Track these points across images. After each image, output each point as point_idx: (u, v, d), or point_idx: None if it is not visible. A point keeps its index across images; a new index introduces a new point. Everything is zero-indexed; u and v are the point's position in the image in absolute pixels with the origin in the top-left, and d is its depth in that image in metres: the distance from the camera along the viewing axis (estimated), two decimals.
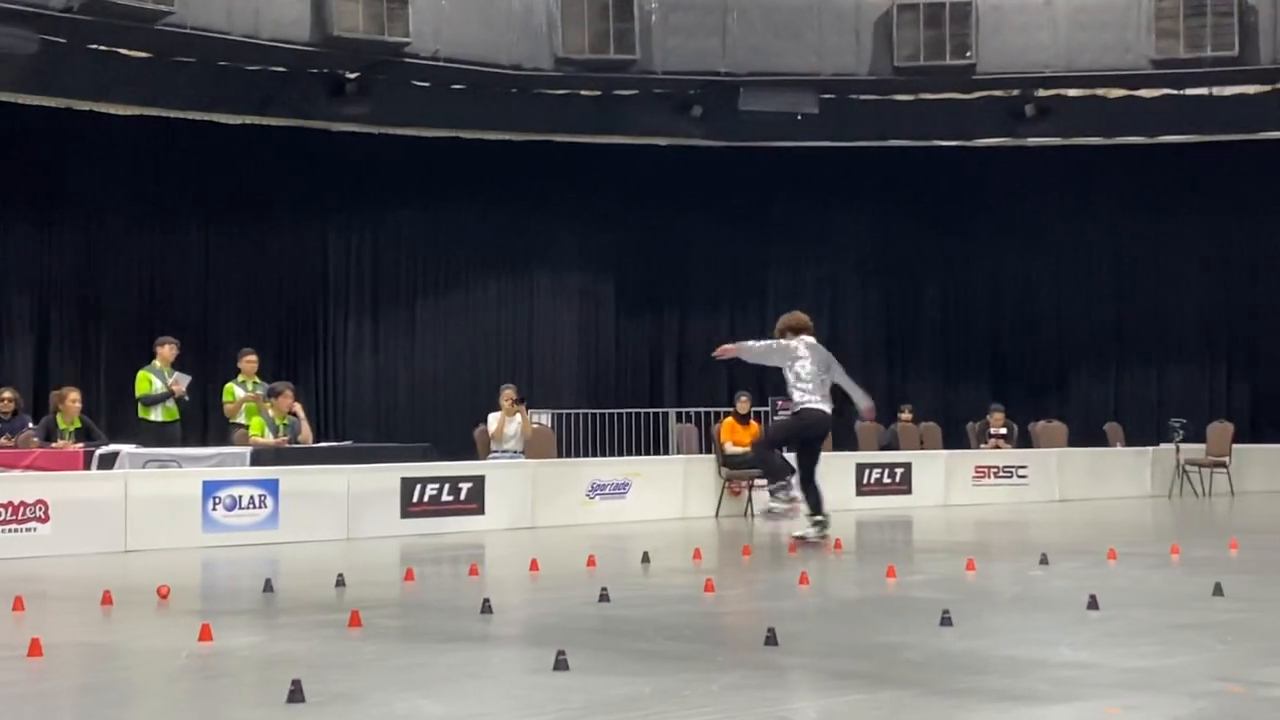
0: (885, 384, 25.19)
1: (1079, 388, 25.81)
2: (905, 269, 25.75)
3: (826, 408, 12.90)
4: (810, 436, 13.02)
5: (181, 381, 15.89)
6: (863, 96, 21.99)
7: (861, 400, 13.43)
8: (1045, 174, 24.79)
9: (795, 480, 12.92)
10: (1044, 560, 11.36)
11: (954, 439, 21.55)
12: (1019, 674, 6.62)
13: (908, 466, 19.38)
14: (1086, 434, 22.83)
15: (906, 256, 25.64)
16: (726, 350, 13.46)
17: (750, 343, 13.64)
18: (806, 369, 12.81)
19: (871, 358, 25.54)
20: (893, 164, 24.45)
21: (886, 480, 19.04)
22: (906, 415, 21.46)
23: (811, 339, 13.14)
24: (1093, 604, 8.60)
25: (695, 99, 21.59)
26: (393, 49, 18.84)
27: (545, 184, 23.83)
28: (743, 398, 18.21)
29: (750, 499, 17.53)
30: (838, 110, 21.79)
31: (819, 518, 12.83)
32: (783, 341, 13.09)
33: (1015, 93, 21.84)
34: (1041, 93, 21.86)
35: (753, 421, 18.16)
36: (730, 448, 17.59)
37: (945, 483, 19.51)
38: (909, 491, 19.12)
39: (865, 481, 18.87)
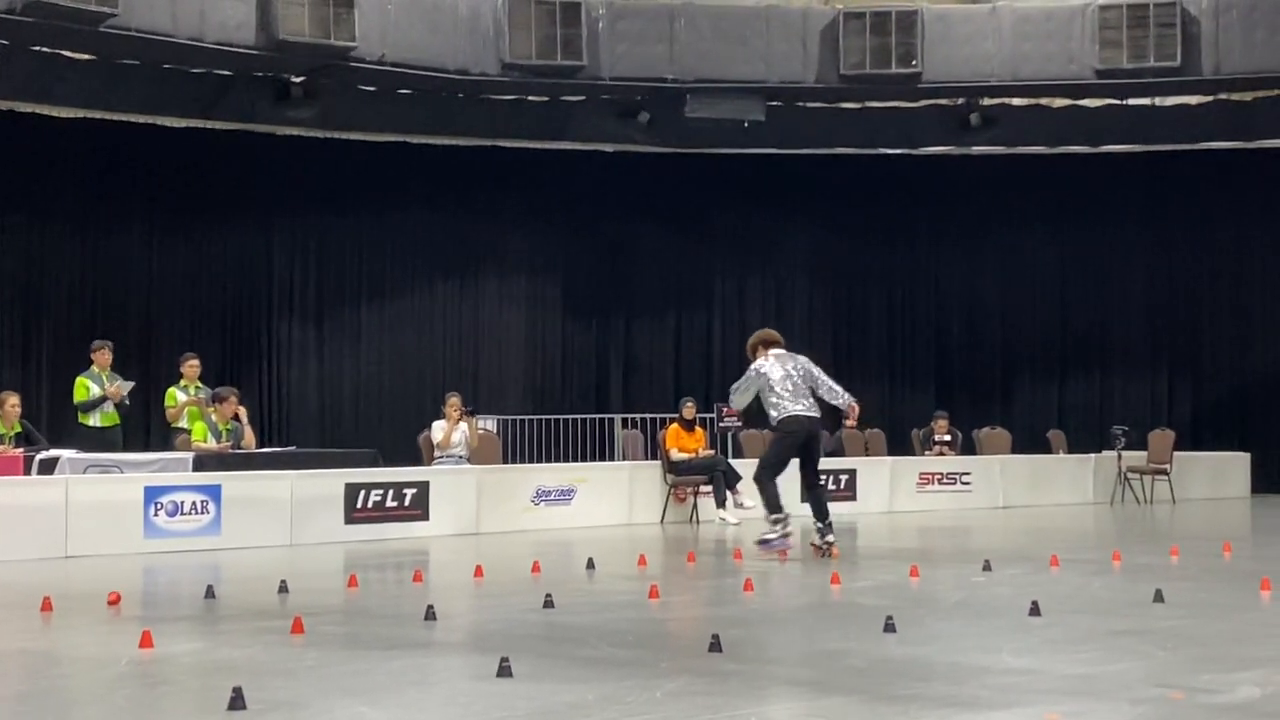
0: None
1: (1022, 395, 25.99)
2: (851, 276, 25.85)
3: (806, 411, 12.65)
4: (799, 444, 12.72)
5: (124, 387, 15.76)
6: (809, 104, 22.10)
7: (842, 401, 13.11)
8: (990, 182, 24.96)
9: (829, 534, 12.75)
10: (987, 567, 11.43)
11: (899, 445, 21.67)
12: (962, 680, 6.66)
13: (852, 473, 19.46)
14: (1030, 441, 23.00)
15: (852, 263, 25.74)
16: (730, 411, 13.89)
17: (733, 395, 13.22)
18: (776, 377, 12.64)
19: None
20: (839, 171, 24.55)
21: (831, 486, 19.02)
22: (851, 421, 21.47)
23: (780, 350, 13.01)
24: (1035, 610, 8.66)
25: (642, 105, 21.65)
26: (339, 53, 18.78)
27: (492, 189, 23.79)
28: (688, 403, 18.22)
29: (695, 505, 17.56)
30: (784, 117, 21.88)
31: (821, 525, 12.75)
32: (749, 371, 12.92)
33: (960, 101, 22.01)
34: (986, 101, 22.04)
35: (698, 428, 18.17)
36: (675, 454, 17.59)
37: (890, 489, 19.61)
38: (854, 498, 19.19)
39: None
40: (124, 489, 13.62)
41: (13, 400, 15.17)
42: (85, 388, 15.81)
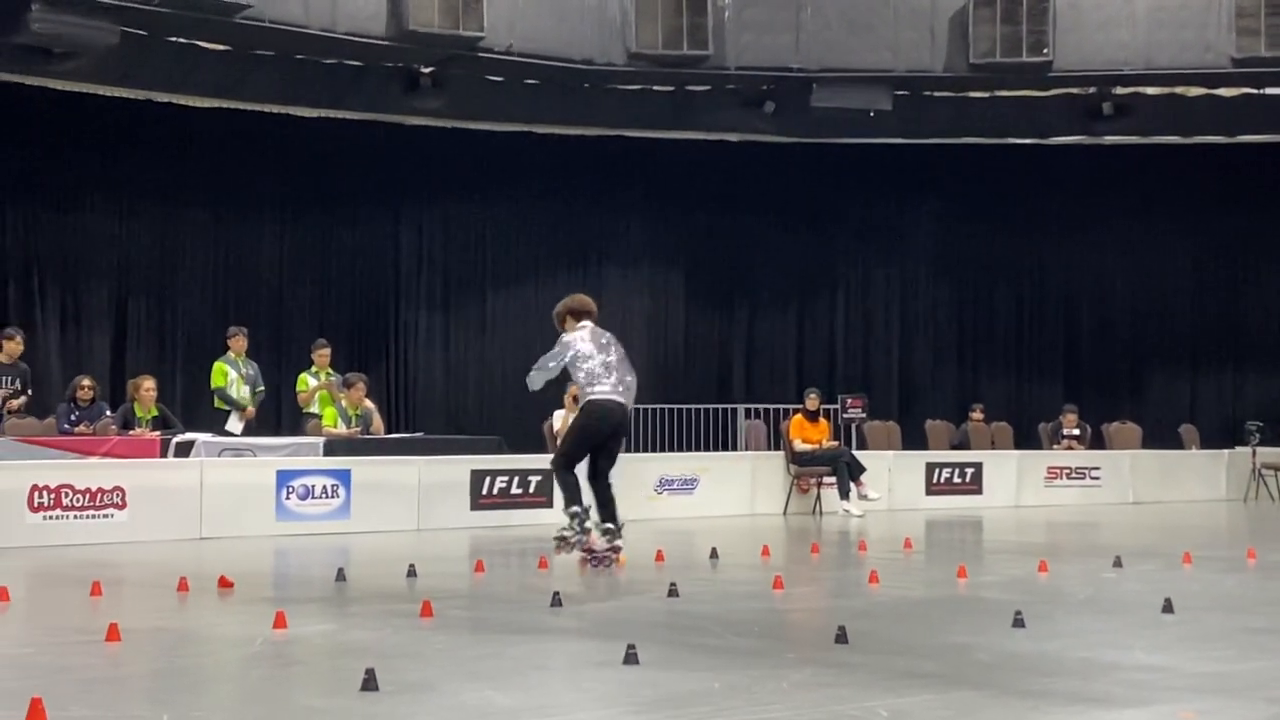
0: (956, 382, 25.10)
1: (1153, 389, 25.53)
2: (977, 267, 25.56)
3: (620, 396, 10.86)
4: (603, 431, 10.90)
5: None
6: (937, 93, 21.85)
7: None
8: (1122, 173, 24.53)
9: (594, 510, 10.94)
10: (1117, 563, 11.25)
11: (1026, 439, 21.40)
12: (1092, 677, 6.57)
13: (978, 466, 19.25)
14: (1161, 436, 22.59)
15: (979, 254, 25.46)
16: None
17: (534, 372, 11.13)
18: (587, 352, 10.85)
19: (942, 356, 25.43)
20: (966, 161, 24.27)
21: (957, 480, 18.94)
22: (978, 415, 21.33)
23: (590, 323, 11.10)
24: (1167, 607, 8.52)
25: (767, 95, 21.53)
26: (467, 43, 18.93)
27: (617, 179, 23.85)
28: (812, 394, 18.16)
29: (819, 496, 17.50)
30: (911, 107, 21.66)
31: (609, 526, 10.91)
32: (559, 344, 11.02)
33: (1092, 90, 21.63)
34: (1119, 91, 21.63)
35: (822, 419, 18.11)
36: (799, 444, 17.55)
37: (1016, 483, 19.38)
38: (979, 492, 19.00)
39: (935, 481, 18.77)
40: (257, 472, 13.89)
41: (148, 385, 15.52)
42: (224, 373, 16.16)
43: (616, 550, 10.85)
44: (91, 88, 19.63)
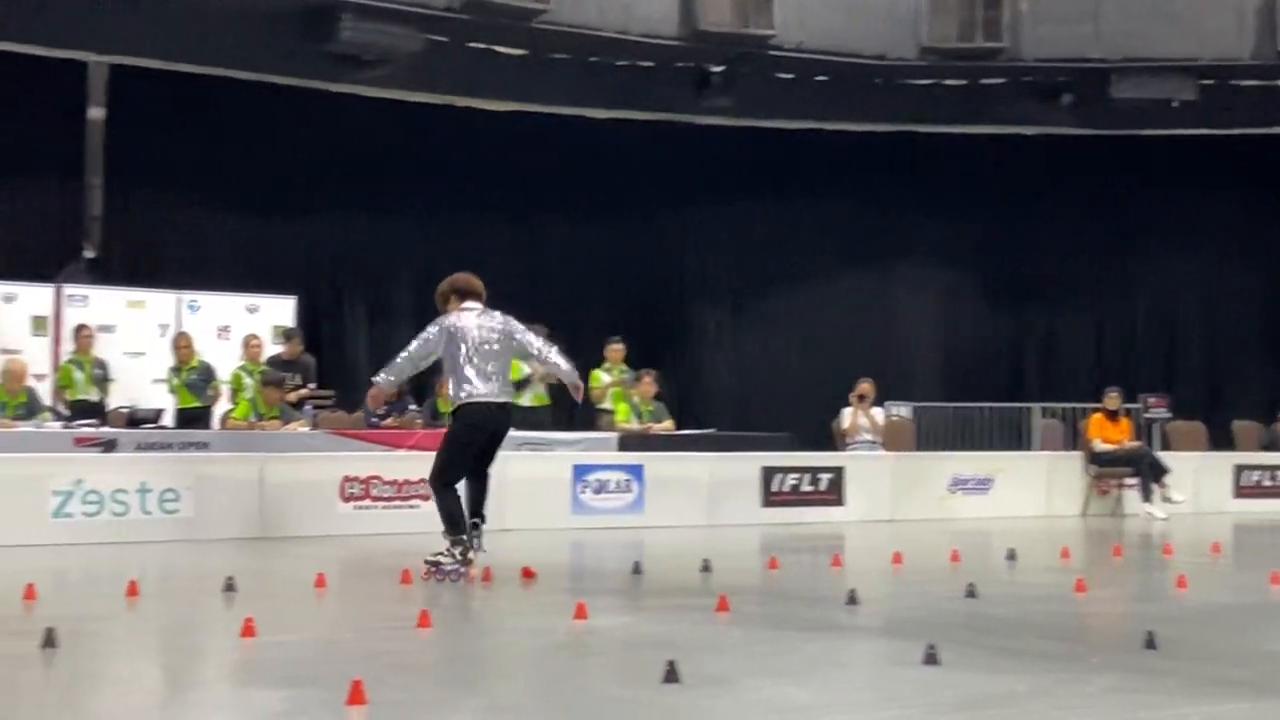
0: (1265, 379, 24.00)
1: None
2: None
3: (496, 396, 9.73)
4: (479, 442, 9.83)
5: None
6: (1244, 82, 21.03)
7: (568, 376, 10.34)
8: None
9: (480, 538, 9.85)
10: None
11: None
12: None
13: None
14: None
15: None
16: (375, 397, 10.48)
17: (387, 368, 10.11)
18: (470, 341, 9.73)
19: (1248, 351, 24.39)
20: (1275, 152, 23.23)
21: (1267, 483, 18.16)
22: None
23: (477, 305, 10.03)
24: None
25: (1065, 87, 21.07)
26: (758, 41, 19.04)
27: (907, 175, 23.58)
28: (1112, 393, 17.68)
29: (1119, 498, 17.02)
30: (1217, 96, 20.91)
31: (474, 520, 9.84)
32: (428, 330, 9.95)
33: None
34: None
35: (1122, 418, 17.60)
36: (1099, 445, 17.10)
37: None
38: None
39: (1243, 484, 18.05)
40: (554, 467, 14.20)
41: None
42: (517, 369, 16.53)
43: (469, 564, 9.62)
44: (396, 93, 20.39)
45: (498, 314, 9.88)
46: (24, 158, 18.64)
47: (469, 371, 9.62)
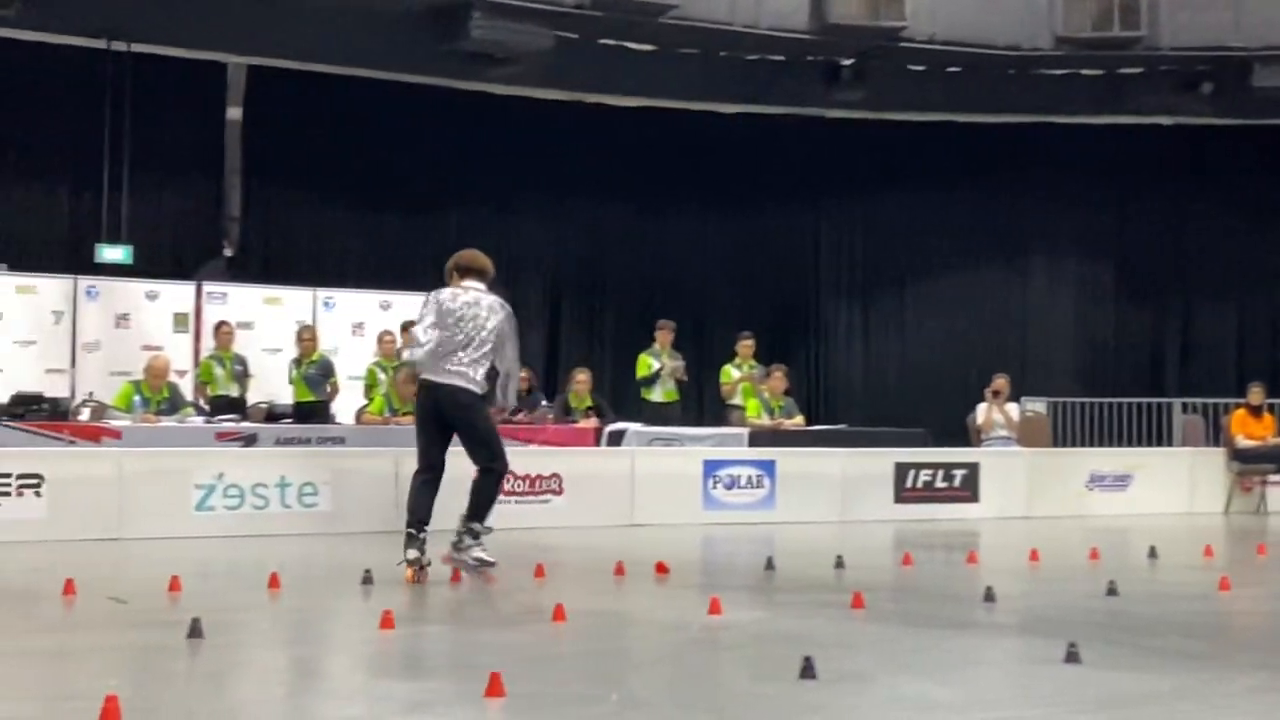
0: None
1: None
2: None
3: (441, 377, 9.17)
4: (426, 419, 9.37)
5: (677, 368, 16.41)
6: None
7: (499, 399, 9.63)
8: None
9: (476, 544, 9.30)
10: None
11: None
12: None
13: None
14: None
15: None
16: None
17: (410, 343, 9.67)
18: (437, 321, 9.21)
19: None
20: None
21: None
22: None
23: (478, 284, 9.44)
24: None
25: (1205, 75, 20.60)
26: (889, 33, 18.87)
27: (1041, 166, 23.22)
28: (1256, 388, 17.28)
29: (1263, 495, 16.64)
30: None
31: (471, 526, 9.27)
32: (426, 302, 9.46)
33: None
34: None
35: (1266, 414, 17.18)
36: (1242, 441, 16.73)
37: None
38: None
39: None
40: (684, 462, 14.20)
41: (582, 376, 16.13)
42: (648, 364, 16.59)
43: (463, 559, 9.21)
44: (526, 90, 20.52)
45: (501, 311, 9.33)
46: (165, 158, 19.09)
47: (424, 352, 9.21)
